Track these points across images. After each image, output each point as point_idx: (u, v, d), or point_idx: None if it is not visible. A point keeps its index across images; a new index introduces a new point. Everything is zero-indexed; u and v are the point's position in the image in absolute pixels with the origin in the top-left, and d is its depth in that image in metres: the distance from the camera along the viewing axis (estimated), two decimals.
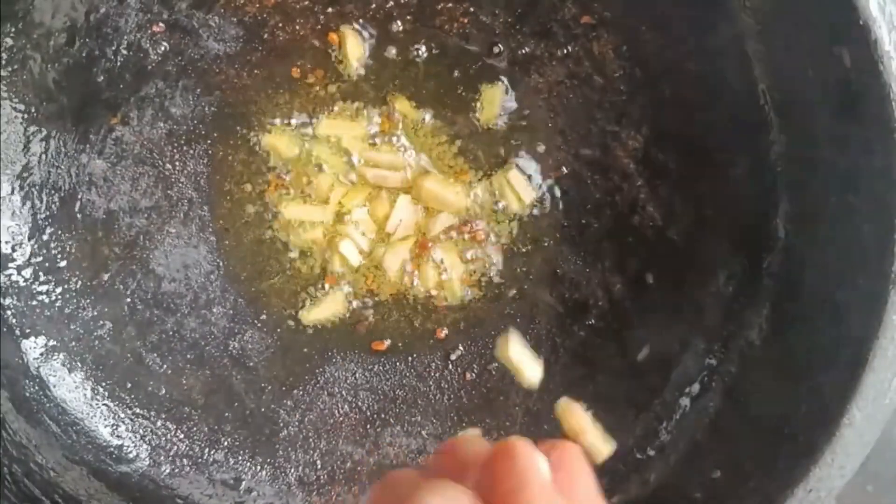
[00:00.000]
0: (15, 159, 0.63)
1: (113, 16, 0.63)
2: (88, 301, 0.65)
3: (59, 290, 0.65)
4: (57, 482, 0.61)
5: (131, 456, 0.65)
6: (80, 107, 0.64)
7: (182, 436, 0.66)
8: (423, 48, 0.65)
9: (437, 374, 0.68)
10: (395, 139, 0.66)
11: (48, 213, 0.65)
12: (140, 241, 0.66)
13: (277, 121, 0.65)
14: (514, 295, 0.67)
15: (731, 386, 0.64)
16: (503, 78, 0.66)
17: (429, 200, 0.66)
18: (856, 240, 0.55)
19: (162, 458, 0.66)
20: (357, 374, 0.67)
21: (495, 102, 0.65)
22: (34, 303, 0.65)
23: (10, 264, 0.64)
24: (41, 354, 0.65)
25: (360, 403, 0.68)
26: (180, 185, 0.66)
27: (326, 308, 0.66)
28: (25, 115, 0.63)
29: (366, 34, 0.65)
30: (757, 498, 0.56)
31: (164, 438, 0.66)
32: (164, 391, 0.66)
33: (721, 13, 0.61)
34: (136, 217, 0.66)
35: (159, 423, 0.66)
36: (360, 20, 0.65)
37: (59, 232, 0.65)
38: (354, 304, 0.67)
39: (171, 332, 0.66)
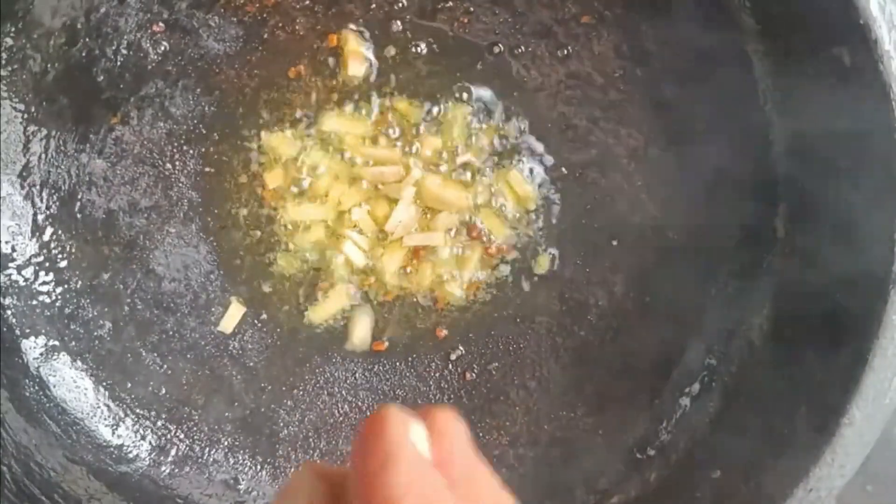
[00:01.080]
0: (15, 159, 0.63)
1: (113, 16, 0.63)
2: (88, 301, 0.65)
3: (59, 290, 0.65)
4: (57, 482, 0.61)
5: (131, 456, 0.66)
6: (80, 107, 0.64)
7: (182, 436, 0.66)
8: (424, 47, 0.65)
9: (437, 374, 0.68)
10: (394, 138, 0.66)
11: (48, 213, 0.65)
12: (140, 241, 0.66)
13: (277, 120, 0.65)
14: (513, 295, 0.67)
15: (731, 386, 0.64)
16: (471, 93, 0.66)
17: (429, 200, 0.66)
18: (856, 239, 0.55)
19: (162, 458, 0.66)
20: (357, 374, 0.67)
21: (457, 123, 0.65)
22: (34, 303, 0.65)
23: (10, 264, 0.64)
24: (41, 354, 0.65)
25: (360, 403, 0.67)
26: (180, 185, 0.66)
27: (332, 304, 0.66)
28: (25, 115, 0.63)
29: (366, 34, 0.65)
30: (757, 498, 0.56)
31: (164, 438, 0.66)
32: (164, 391, 0.66)
33: (721, 13, 0.61)
34: (136, 217, 0.66)
35: (159, 423, 0.66)
36: (361, 20, 0.65)
37: (59, 232, 0.65)
38: (355, 303, 0.67)
39: (171, 332, 0.66)
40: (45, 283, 0.65)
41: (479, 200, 0.66)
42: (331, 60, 0.65)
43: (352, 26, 0.65)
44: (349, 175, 0.66)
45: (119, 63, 0.64)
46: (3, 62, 0.61)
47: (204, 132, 0.65)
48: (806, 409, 0.56)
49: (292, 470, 0.67)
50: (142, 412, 0.66)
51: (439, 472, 0.30)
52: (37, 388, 0.64)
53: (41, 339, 0.65)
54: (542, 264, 0.67)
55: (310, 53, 0.65)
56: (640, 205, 0.66)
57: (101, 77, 0.63)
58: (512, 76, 0.65)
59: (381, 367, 0.68)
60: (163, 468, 0.66)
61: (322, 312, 0.66)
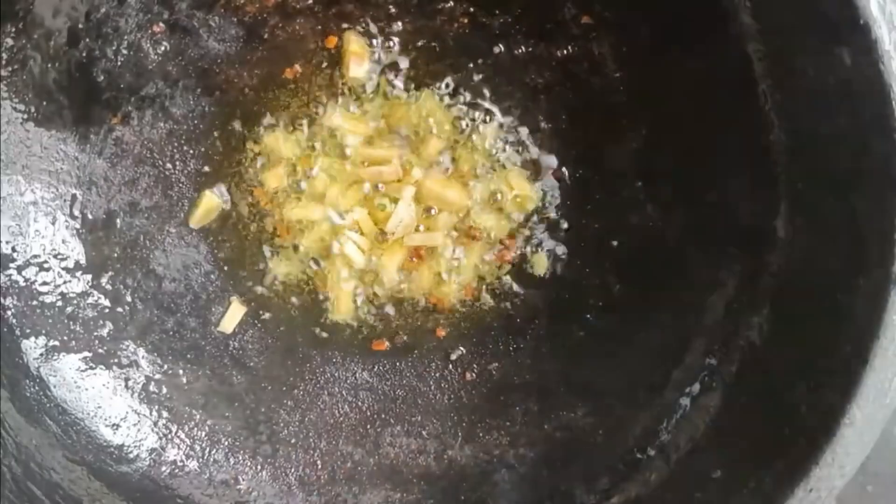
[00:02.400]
0: (15, 159, 0.63)
1: (113, 16, 0.63)
2: (88, 301, 0.65)
3: (59, 290, 0.65)
4: (57, 482, 0.61)
5: (131, 456, 0.65)
6: (80, 107, 0.64)
7: (182, 436, 0.66)
8: (424, 48, 0.65)
9: (437, 374, 0.68)
10: (394, 138, 0.66)
11: (48, 213, 0.65)
12: (140, 241, 0.66)
13: (277, 120, 0.65)
14: (513, 294, 0.67)
15: (731, 386, 0.64)
16: (471, 94, 0.66)
17: (430, 200, 0.66)
18: (856, 240, 0.55)
19: (162, 458, 0.66)
20: (357, 374, 0.67)
21: (457, 123, 0.65)
22: (34, 303, 0.65)
23: (10, 264, 0.64)
24: (41, 354, 0.65)
25: (360, 403, 0.67)
26: (180, 185, 0.66)
27: (346, 299, 0.66)
28: (25, 115, 0.63)
29: (366, 34, 0.65)
30: (757, 498, 0.56)
31: (164, 438, 0.66)
32: (164, 391, 0.66)
33: (721, 13, 0.61)
34: (136, 217, 0.66)
35: (159, 423, 0.66)
36: (361, 20, 0.65)
37: (60, 232, 0.65)
38: (361, 304, 0.67)
39: (171, 332, 0.66)
40: (45, 283, 0.65)
41: (479, 200, 0.66)
42: (331, 61, 0.65)
43: (352, 27, 0.65)
44: (349, 175, 0.66)
45: (119, 63, 0.64)
46: (4, 62, 0.61)
47: (204, 132, 0.65)
48: (806, 408, 0.56)
49: (292, 470, 0.67)
50: (142, 412, 0.66)
51: None
52: (37, 388, 0.64)
53: (41, 339, 0.65)
54: (542, 264, 0.67)
55: (310, 53, 0.65)
56: (640, 205, 0.66)
57: (102, 77, 0.64)
58: (512, 76, 0.65)
59: (381, 367, 0.68)
60: (163, 468, 0.66)
61: (343, 308, 0.66)
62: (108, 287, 0.66)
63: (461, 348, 0.67)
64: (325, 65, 0.65)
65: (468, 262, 0.66)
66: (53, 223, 0.65)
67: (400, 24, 0.65)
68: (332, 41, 0.65)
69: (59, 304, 0.65)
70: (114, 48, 0.63)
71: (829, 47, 0.54)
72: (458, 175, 0.66)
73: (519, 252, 0.67)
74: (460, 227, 0.66)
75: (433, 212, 0.66)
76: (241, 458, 0.67)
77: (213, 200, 0.65)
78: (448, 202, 0.65)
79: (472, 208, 0.66)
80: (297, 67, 0.65)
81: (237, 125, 0.65)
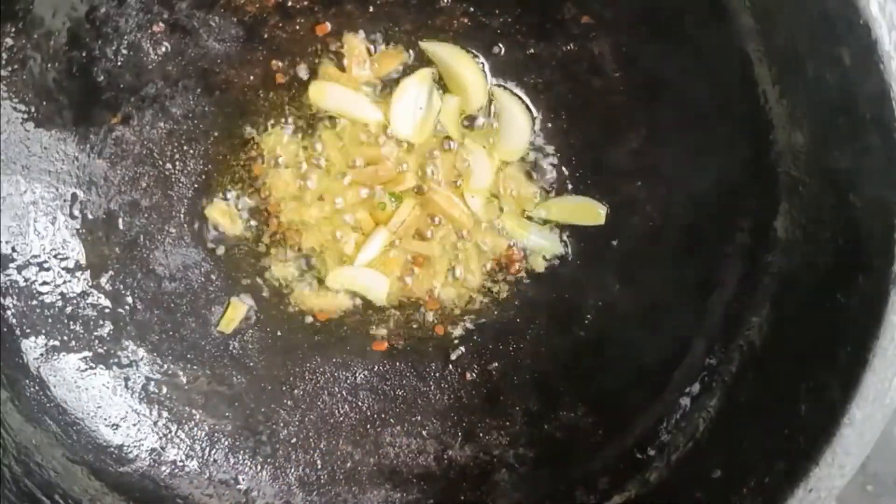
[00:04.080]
0: (15, 159, 0.63)
1: (113, 16, 0.63)
2: (88, 301, 0.65)
3: (58, 290, 0.65)
4: (57, 482, 0.61)
5: (131, 456, 0.66)
6: (80, 107, 0.64)
7: (182, 436, 0.66)
8: (424, 48, 0.65)
9: (437, 374, 0.68)
10: (394, 138, 0.66)
11: (48, 213, 0.65)
12: (140, 241, 0.66)
13: (276, 120, 0.65)
14: (513, 296, 0.67)
15: (731, 386, 0.64)
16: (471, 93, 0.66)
17: (432, 209, 0.65)
18: (856, 240, 0.55)
19: (162, 458, 0.66)
20: (357, 374, 0.67)
21: (457, 122, 0.65)
22: (34, 303, 0.65)
23: (10, 264, 0.64)
24: (41, 354, 0.65)
25: (360, 403, 0.68)
26: (180, 185, 0.66)
27: (345, 298, 0.67)
28: (25, 115, 0.63)
29: (366, 35, 0.65)
30: (757, 498, 0.56)
31: (164, 438, 0.66)
32: (164, 391, 0.66)
33: (721, 13, 0.61)
34: (136, 217, 0.66)
35: (159, 424, 0.66)
36: (360, 20, 0.65)
37: (60, 232, 0.65)
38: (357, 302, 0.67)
39: (171, 332, 0.66)
40: (45, 283, 0.65)
41: (478, 206, 0.66)
42: (331, 61, 0.65)
43: (352, 28, 0.65)
44: (350, 175, 0.66)
45: (119, 63, 0.64)
46: (4, 62, 0.61)
47: (204, 132, 0.65)
48: (806, 409, 0.56)
49: (292, 470, 0.67)
50: (142, 412, 0.66)
51: None
52: (37, 388, 0.64)
53: (41, 339, 0.65)
54: (540, 264, 0.67)
55: (310, 54, 0.65)
56: (640, 205, 0.66)
57: (101, 77, 0.63)
58: (512, 76, 0.65)
59: (381, 367, 0.68)
60: (163, 468, 0.66)
61: (342, 308, 0.66)
62: (108, 287, 0.66)
63: (461, 348, 0.67)
64: (325, 65, 0.65)
65: (467, 272, 0.66)
66: (53, 223, 0.65)
67: (400, 23, 0.65)
68: (322, 28, 0.64)
69: (59, 303, 0.65)
70: (114, 48, 0.63)
71: (829, 47, 0.54)
72: (456, 174, 0.66)
73: (522, 257, 0.67)
74: (461, 240, 0.66)
75: (437, 220, 0.66)
76: (241, 458, 0.67)
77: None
78: (451, 218, 0.65)
79: (475, 226, 0.66)
80: (298, 67, 0.65)
81: (237, 125, 0.65)
